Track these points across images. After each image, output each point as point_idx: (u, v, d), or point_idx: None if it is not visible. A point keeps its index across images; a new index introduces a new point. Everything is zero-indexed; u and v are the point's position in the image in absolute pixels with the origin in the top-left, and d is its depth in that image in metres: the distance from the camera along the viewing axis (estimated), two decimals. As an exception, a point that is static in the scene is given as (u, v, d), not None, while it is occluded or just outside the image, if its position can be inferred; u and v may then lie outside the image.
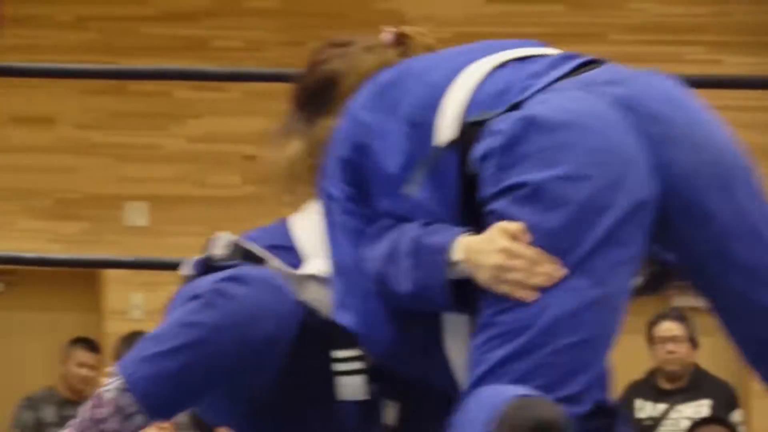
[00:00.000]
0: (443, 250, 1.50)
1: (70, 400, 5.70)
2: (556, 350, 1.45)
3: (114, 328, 6.45)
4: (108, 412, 1.70)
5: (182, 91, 6.79)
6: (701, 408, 5.44)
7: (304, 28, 6.82)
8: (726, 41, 6.81)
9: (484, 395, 1.45)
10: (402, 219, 1.58)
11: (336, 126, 1.67)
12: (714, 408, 5.44)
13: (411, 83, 1.64)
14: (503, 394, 1.41)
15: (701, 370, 5.56)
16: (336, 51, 1.83)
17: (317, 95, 1.80)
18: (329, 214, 1.65)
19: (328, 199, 1.65)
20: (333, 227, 1.65)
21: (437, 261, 1.51)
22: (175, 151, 7.15)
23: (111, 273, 6.78)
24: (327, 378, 1.72)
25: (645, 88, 1.56)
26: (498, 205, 1.45)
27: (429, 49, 1.78)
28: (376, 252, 1.58)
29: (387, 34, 1.82)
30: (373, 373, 1.75)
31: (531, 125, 1.51)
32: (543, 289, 1.45)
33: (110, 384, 1.68)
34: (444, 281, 1.51)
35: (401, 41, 1.81)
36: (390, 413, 1.82)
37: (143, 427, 1.72)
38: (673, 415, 5.48)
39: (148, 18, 7.20)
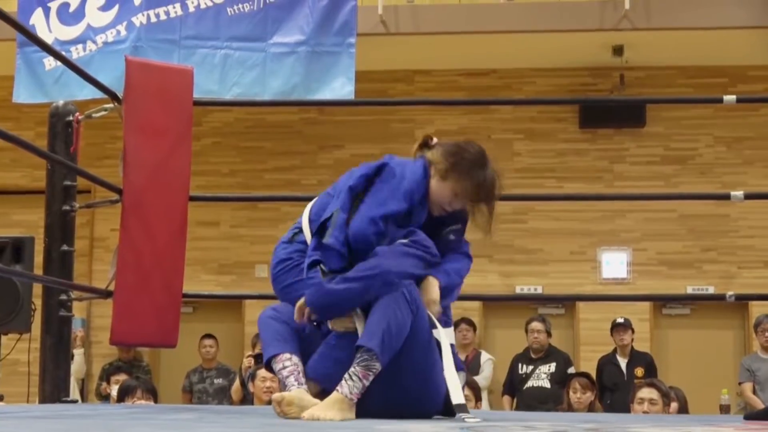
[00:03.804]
0: None
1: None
2: None
3: (250, 330, 7.44)
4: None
5: (286, 206, 7.95)
6: (551, 366, 6.89)
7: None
8: None
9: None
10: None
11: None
12: (558, 366, 6.85)
13: None
14: None
15: (552, 346, 7.08)
16: None
17: None
18: None
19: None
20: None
21: None
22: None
23: (248, 302, 7.91)
24: None
25: None
26: None
27: None
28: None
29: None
30: None
31: None
32: None
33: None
34: None
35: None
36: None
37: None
38: (536, 371, 6.91)
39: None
